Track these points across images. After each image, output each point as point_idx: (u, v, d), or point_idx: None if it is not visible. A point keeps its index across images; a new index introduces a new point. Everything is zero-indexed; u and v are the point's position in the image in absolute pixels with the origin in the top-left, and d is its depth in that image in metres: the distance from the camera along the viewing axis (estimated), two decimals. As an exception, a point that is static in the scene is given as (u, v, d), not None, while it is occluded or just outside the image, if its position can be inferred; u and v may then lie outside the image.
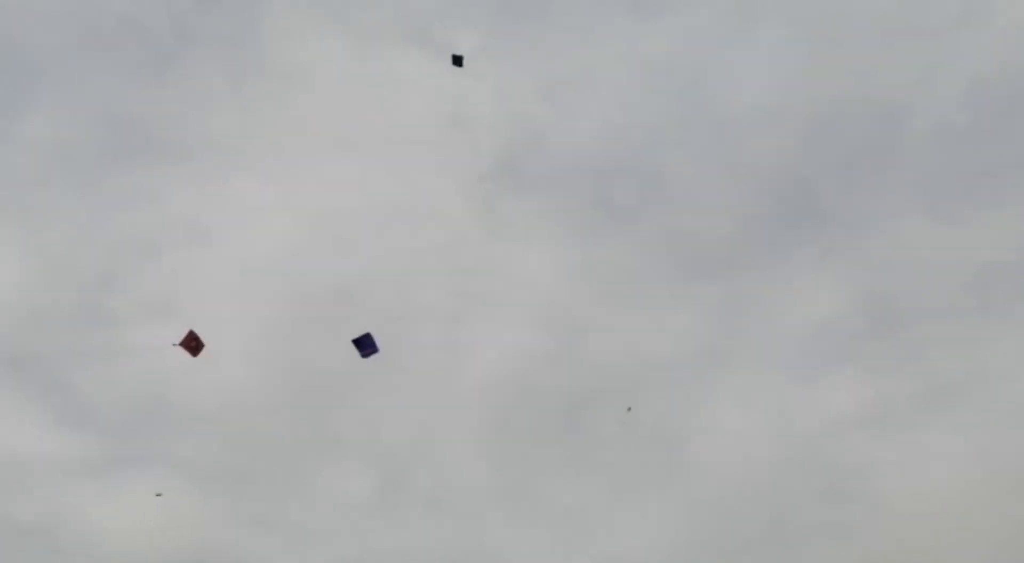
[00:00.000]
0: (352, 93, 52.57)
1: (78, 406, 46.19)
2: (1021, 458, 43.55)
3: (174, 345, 33.22)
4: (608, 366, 49.07)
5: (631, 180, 54.41)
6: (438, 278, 50.91)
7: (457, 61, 34.49)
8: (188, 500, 43.56)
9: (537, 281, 50.90)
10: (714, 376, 49.89)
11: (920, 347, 48.66)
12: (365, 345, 31.93)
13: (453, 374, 48.90)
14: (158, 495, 32.19)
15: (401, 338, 49.40)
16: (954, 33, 53.63)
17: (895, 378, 48.29)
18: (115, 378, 46.62)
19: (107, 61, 53.08)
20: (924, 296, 49.88)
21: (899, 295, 50.44)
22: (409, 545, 43.36)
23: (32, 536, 41.51)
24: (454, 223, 51.79)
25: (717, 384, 49.61)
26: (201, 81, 53.29)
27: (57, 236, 49.31)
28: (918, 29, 53.96)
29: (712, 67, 55.20)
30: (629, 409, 36.45)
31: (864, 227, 52.08)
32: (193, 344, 33.34)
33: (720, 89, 54.58)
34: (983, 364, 47.41)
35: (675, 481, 46.72)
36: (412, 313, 50.19)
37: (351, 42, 53.85)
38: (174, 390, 46.93)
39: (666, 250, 53.05)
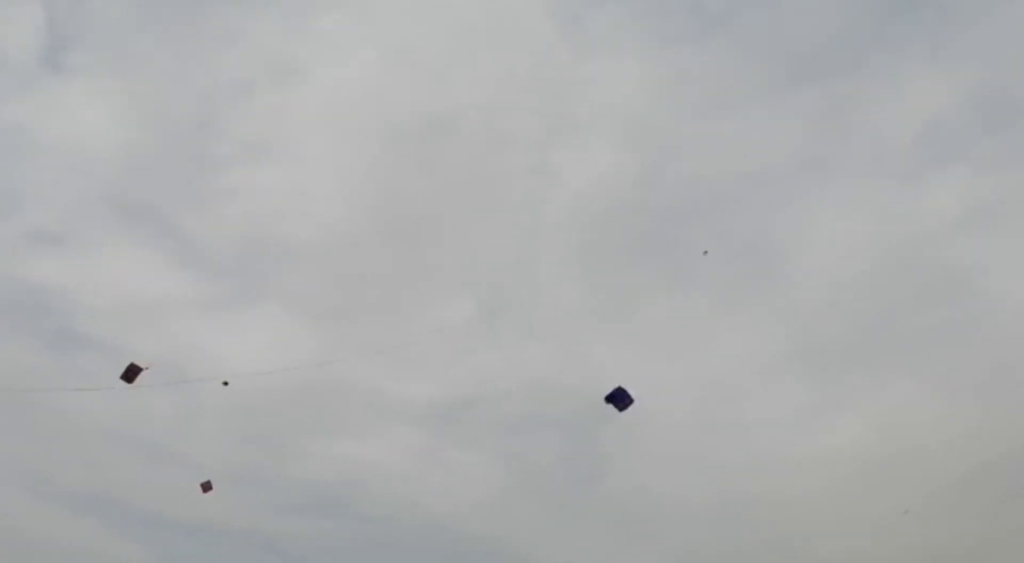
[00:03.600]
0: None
1: (189, 248, 48.54)
2: None
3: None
4: (702, 181, 48.20)
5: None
6: (526, 102, 50.08)
7: None
8: (298, 332, 46.02)
9: (626, 98, 49.43)
10: (814, 185, 48.69)
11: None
12: (619, 398, 30.21)
13: (545, 199, 48.92)
14: (225, 383, 31.69)
15: (492, 166, 49.69)
16: None
17: (1008, 176, 45.98)
18: (221, 219, 48.53)
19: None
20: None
21: (1015, 88, 47.13)
22: (510, 365, 44.77)
23: (163, 370, 44.59)
24: (540, 42, 50.23)
25: (817, 193, 48.45)
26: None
27: (152, 84, 50.17)
28: None
29: None
30: (705, 253, 35.14)
31: (979, 14, 48.22)
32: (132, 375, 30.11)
33: None
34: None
35: (775, 292, 46.59)
36: (502, 140, 50.03)
37: None
38: (277, 229, 48.86)
39: (761, 55, 50.49)
